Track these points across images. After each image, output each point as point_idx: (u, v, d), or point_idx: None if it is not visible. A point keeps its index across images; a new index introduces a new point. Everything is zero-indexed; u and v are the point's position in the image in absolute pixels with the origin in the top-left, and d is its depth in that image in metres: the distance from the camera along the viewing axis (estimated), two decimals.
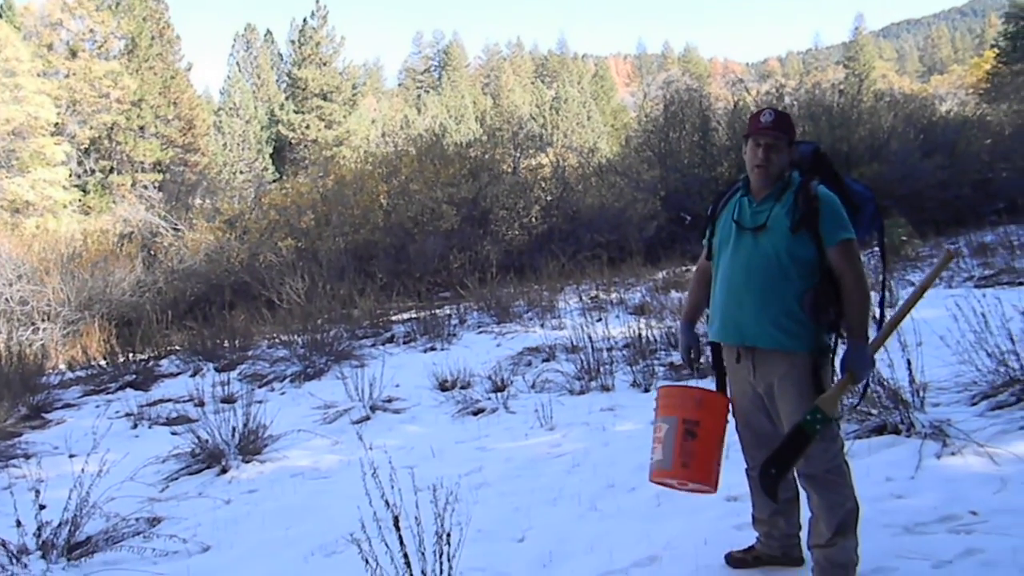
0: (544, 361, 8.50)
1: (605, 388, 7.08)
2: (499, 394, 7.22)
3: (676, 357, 7.73)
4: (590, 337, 7.73)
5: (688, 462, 3.06)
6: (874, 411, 4.71)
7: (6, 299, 13.94)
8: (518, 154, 21.93)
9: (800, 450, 2.87)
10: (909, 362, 4.70)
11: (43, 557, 4.23)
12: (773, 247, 2.91)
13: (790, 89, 24.63)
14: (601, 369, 7.32)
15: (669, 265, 15.70)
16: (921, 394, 4.77)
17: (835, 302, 2.87)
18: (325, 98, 44.32)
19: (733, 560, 3.29)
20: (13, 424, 7.55)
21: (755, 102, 23.01)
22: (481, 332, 11.04)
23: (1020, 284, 8.60)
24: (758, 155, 2.99)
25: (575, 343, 8.28)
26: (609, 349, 7.99)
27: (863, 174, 18.04)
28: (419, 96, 75.19)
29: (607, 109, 72.48)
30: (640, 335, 8.00)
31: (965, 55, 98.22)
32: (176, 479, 5.80)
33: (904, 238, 13.27)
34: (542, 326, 10.65)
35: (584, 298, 12.48)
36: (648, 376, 7.16)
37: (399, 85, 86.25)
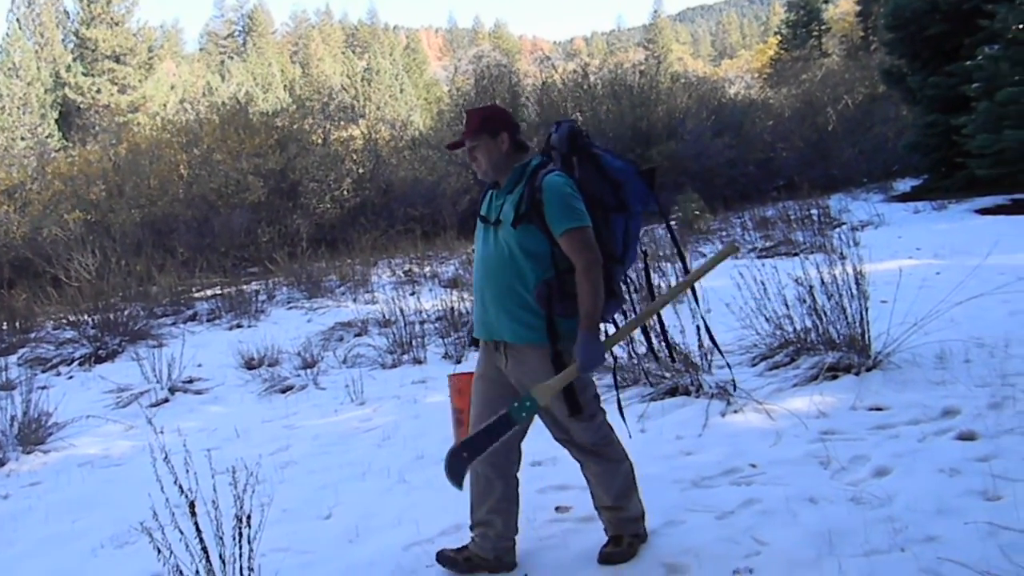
0: (356, 336, 8.40)
1: (417, 361, 7.10)
2: (309, 370, 7.07)
3: None
4: (402, 311, 7.71)
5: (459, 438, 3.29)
6: (667, 375, 5.00)
7: None
8: (328, 125, 21.41)
9: (498, 436, 2.82)
10: (698, 328, 5.01)
11: None
12: (505, 241, 2.84)
13: (594, 68, 25.44)
14: (413, 342, 7.33)
15: None
16: (709, 358, 5.10)
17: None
18: (118, 60, 41.10)
19: (443, 559, 3.13)
20: None
21: (562, 80, 23.62)
22: (291, 308, 10.75)
23: (796, 255, 9.37)
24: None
25: (388, 317, 8.24)
26: (422, 322, 8.00)
27: (661, 151, 19.00)
28: (223, 62, 71.52)
29: (419, 82, 72.02)
30: (452, 308, 8.06)
31: (752, 41, 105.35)
32: None
33: (697, 212, 14.11)
34: (354, 301, 10.52)
35: (398, 272, 12.45)
36: (460, 348, 7.24)
37: (200, 50, 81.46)
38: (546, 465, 4.14)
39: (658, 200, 3.01)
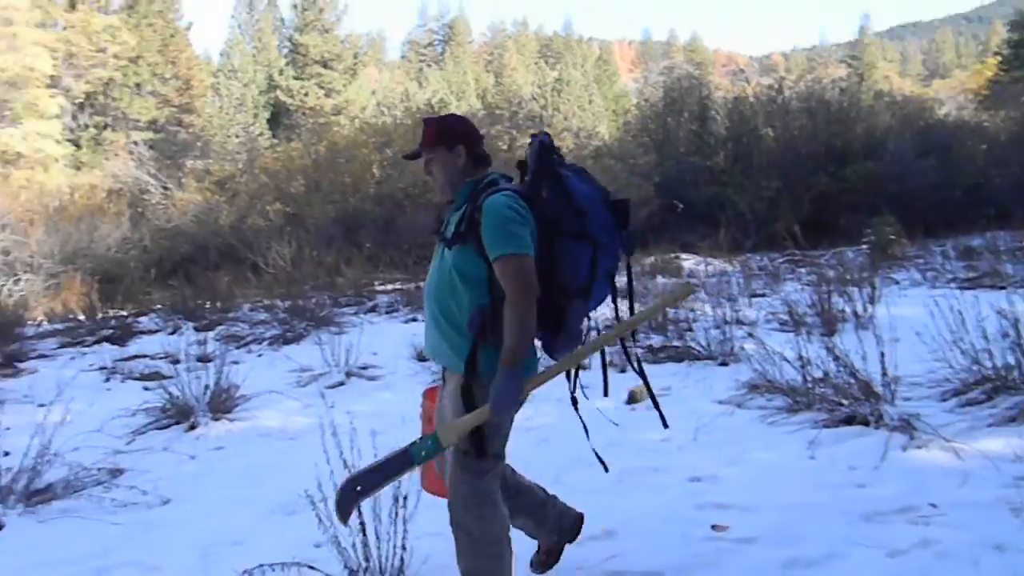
0: None
1: (581, 367, 7.05)
2: None
3: (655, 340, 7.72)
4: None
5: (424, 474, 3.11)
6: (845, 401, 4.70)
7: None
8: (515, 132, 21.82)
9: (394, 474, 2.68)
10: (883, 355, 4.68)
11: (0, 502, 4.20)
12: (447, 261, 2.65)
13: (790, 83, 24.51)
14: None
15: (658, 251, 15.65)
16: (893, 387, 4.75)
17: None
18: (325, 66, 43.88)
19: (537, 565, 3.15)
20: None
21: (755, 95, 22.92)
22: None
23: (1002, 287, 8.59)
24: None
25: None
26: (588, 330, 7.96)
27: (856, 171, 18.02)
28: (421, 70, 74.62)
29: (609, 94, 72.12)
30: (620, 317, 7.96)
31: (968, 61, 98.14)
32: (144, 433, 5.79)
33: (892, 237, 13.27)
34: None
35: None
36: (624, 358, 7.15)
37: (402, 57, 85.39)
38: (706, 482, 4.01)
39: (622, 236, 2.70)
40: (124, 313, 10.81)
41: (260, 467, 4.91)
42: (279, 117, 41.60)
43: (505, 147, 20.62)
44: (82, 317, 10.39)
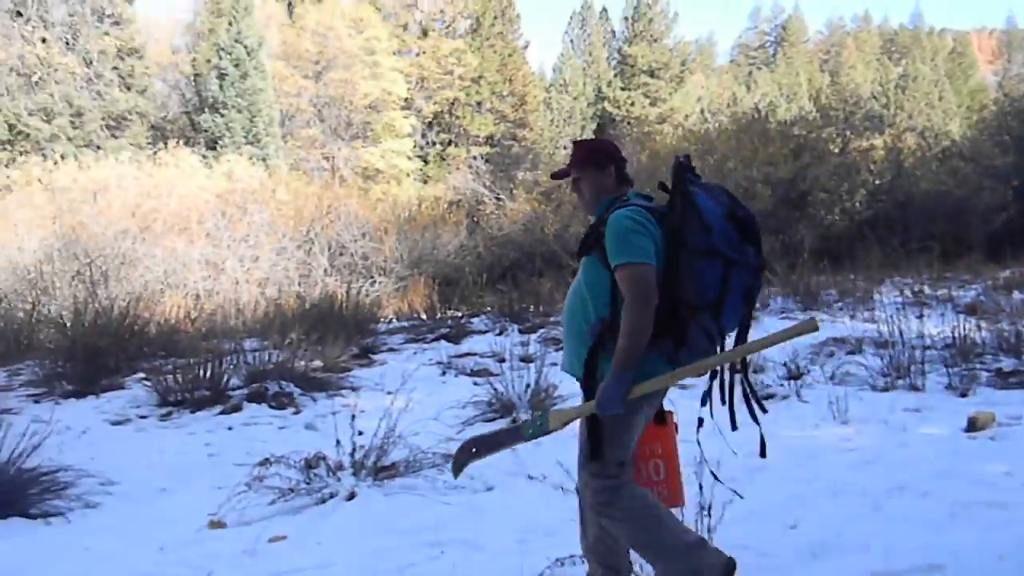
0: (848, 353, 7.96)
1: (914, 388, 6.52)
2: (793, 381, 6.94)
3: (1006, 363, 6.92)
4: (902, 331, 7.14)
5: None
6: None
7: (351, 253, 15.81)
8: (849, 134, 20.54)
9: (507, 444, 3.04)
10: None
11: (354, 474, 4.87)
12: (579, 275, 2.84)
13: None
14: (912, 368, 6.73)
15: (1017, 264, 13.90)
16: None
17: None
18: (652, 75, 44.36)
19: None
20: (345, 361, 8.64)
21: None
22: (784, 317, 10.60)
23: None
24: None
25: (886, 337, 7.68)
26: (925, 348, 7.30)
27: None
28: (750, 73, 72.53)
29: (963, 89, 65.02)
30: (965, 336, 7.25)
31: None
32: (472, 424, 6.34)
33: None
34: (852, 317, 9.96)
35: (905, 292, 11.50)
36: (968, 381, 6.48)
37: (731, 62, 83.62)
38: None
39: (747, 251, 2.68)
40: (459, 314, 11.81)
41: (575, 465, 5.13)
42: (605, 128, 42.77)
43: (837, 150, 19.53)
44: (424, 316, 11.54)
